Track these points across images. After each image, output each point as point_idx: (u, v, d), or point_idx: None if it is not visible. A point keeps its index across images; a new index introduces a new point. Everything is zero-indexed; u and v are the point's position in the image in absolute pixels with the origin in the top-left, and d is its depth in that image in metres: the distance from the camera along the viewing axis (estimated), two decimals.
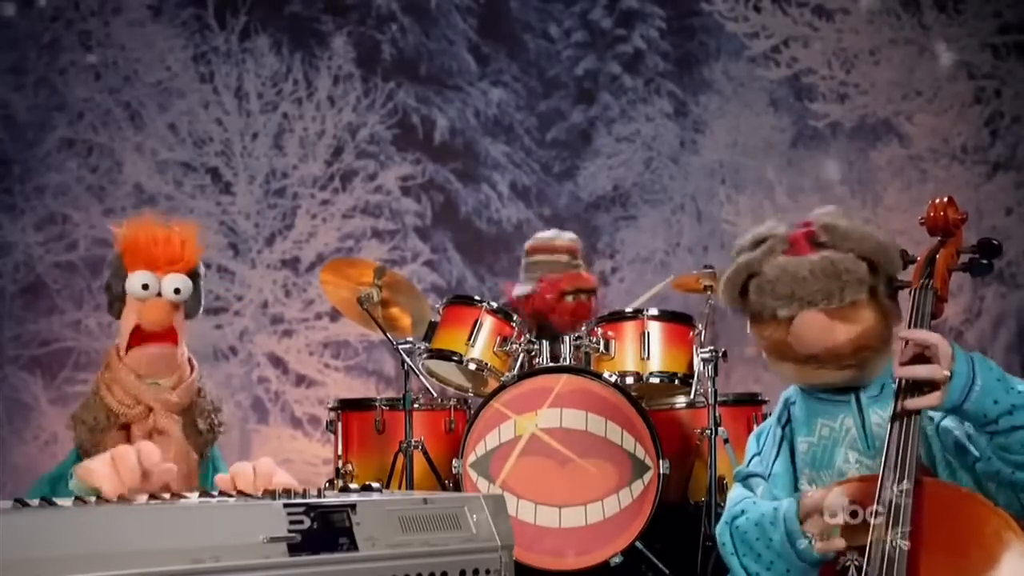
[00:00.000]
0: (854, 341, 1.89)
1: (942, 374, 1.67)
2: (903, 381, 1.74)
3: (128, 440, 2.30)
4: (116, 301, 2.48)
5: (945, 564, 1.62)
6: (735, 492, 2.06)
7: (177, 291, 2.44)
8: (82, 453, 2.31)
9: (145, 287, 2.41)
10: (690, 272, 3.97)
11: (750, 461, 2.10)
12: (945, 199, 1.90)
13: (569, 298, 3.88)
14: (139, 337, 2.42)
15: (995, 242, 1.90)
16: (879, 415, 1.93)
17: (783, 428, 2.06)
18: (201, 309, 2.58)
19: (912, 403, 1.70)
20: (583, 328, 3.76)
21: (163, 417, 2.35)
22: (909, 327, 1.81)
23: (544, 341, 3.72)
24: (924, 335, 1.73)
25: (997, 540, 1.61)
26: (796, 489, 1.98)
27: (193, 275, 2.51)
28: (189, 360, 2.51)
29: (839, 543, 1.71)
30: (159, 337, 2.42)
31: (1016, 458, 1.68)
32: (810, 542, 1.76)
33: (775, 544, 1.83)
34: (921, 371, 1.70)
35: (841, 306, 1.88)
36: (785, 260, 1.91)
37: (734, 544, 1.94)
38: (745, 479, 2.08)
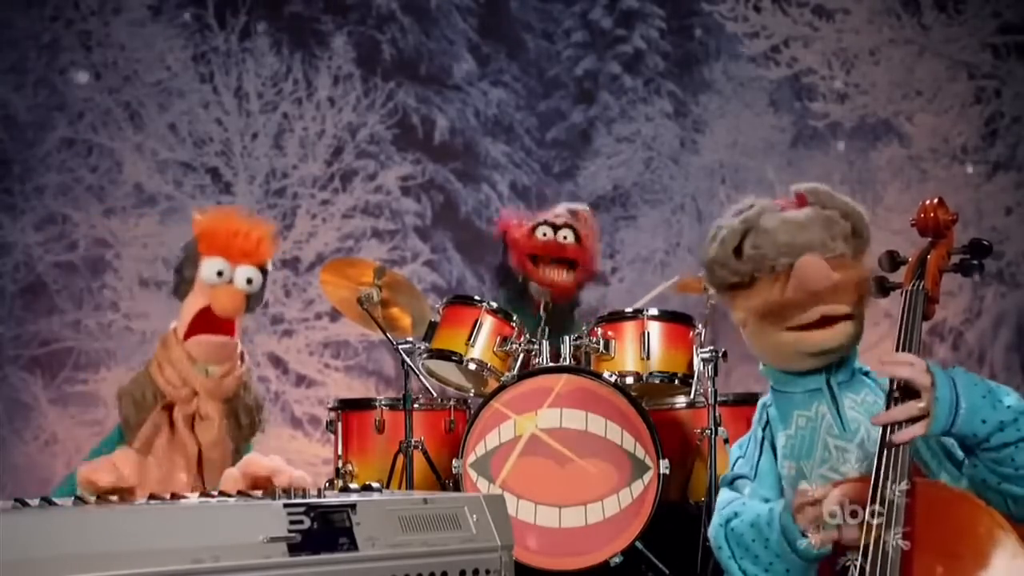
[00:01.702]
0: (856, 282, 1.95)
1: (918, 409, 1.66)
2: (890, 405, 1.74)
3: (171, 420, 2.35)
4: (183, 284, 2.54)
5: (938, 564, 1.62)
6: (723, 495, 2.07)
7: (249, 281, 2.53)
8: (125, 429, 2.36)
9: (220, 274, 2.49)
10: (694, 274, 3.96)
11: (734, 464, 2.12)
12: (935, 200, 1.91)
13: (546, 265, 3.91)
14: (203, 321, 2.47)
15: (985, 242, 1.90)
16: (852, 399, 1.95)
17: (763, 430, 2.09)
18: (261, 305, 2.65)
19: (899, 437, 1.69)
20: (576, 313, 3.76)
21: (206, 403, 2.40)
22: (901, 329, 1.81)
23: (544, 341, 3.72)
24: (897, 371, 1.72)
25: (990, 539, 1.61)
26: (781, 488, 1.99)
27: (263, 270, 2.58)
28: (241, 354, 2.56)
29: (832, 535, 1.71)
30: (221, 326, 2.48)
31: (1006, 471, 1.67)
32: (808, 541, 1.75)
33: (772, 545, 1.83)
34: (898, 413, 1.69)
35: (833, 257, 1.96)
36: (782, 213, 2.02)
37: (730, 547, 1.94)
38: (731, 482, 2.09)
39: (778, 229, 1.97)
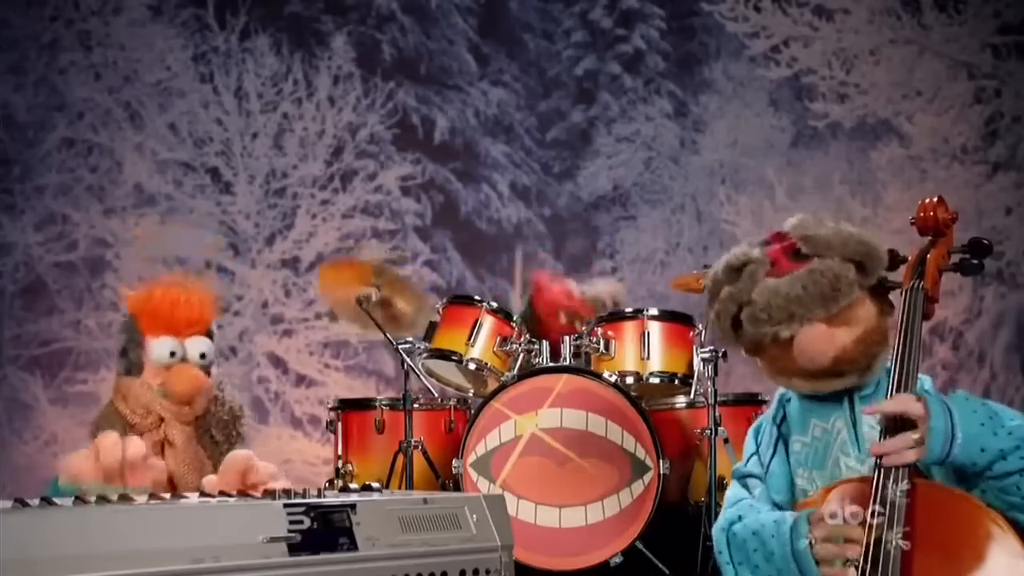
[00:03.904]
0: (860, 341, 1.86)
1: (911, 440, 1.64)
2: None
3: None
4: (133, 368, 2.46)
5: (938, 564, 1.62)
6: (732, 491, 2.03)
7: (203, 356, 2.43)
8: None
9: (172, 354, 2.41)
10: (689, 272, 3.97)
11: (748, 460, 2.08)
12: (935, 199, 1.89)
13: (563, 318, 3.96)
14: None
15: (985, 241, 1.88)
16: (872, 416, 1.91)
17: (779, 427, 2.03)
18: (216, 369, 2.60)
19: (890, 461, 1.67)
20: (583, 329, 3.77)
21: (174, 428, 2.37)
22: (901, 328, 1.80)
23: (544, 341, 3.72)
24: (888, 407, 1.70)
25: (989, 540, 1.61)
26: (792, 489, 1.97)
27: (209, 334, 2.52)
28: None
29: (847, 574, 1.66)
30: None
31: (1012, 499, 1.64)
32: (810, 544, 1.72)
33: (775, 559, 1.79)
34: (890, 445, 1.66)
35: (839, 312, 1.84)
36: (774, 282, 1.86)
37: (730, 551, 1.91)
38: (743, 479, 2.06)
39: (771, 304, 1.84)
